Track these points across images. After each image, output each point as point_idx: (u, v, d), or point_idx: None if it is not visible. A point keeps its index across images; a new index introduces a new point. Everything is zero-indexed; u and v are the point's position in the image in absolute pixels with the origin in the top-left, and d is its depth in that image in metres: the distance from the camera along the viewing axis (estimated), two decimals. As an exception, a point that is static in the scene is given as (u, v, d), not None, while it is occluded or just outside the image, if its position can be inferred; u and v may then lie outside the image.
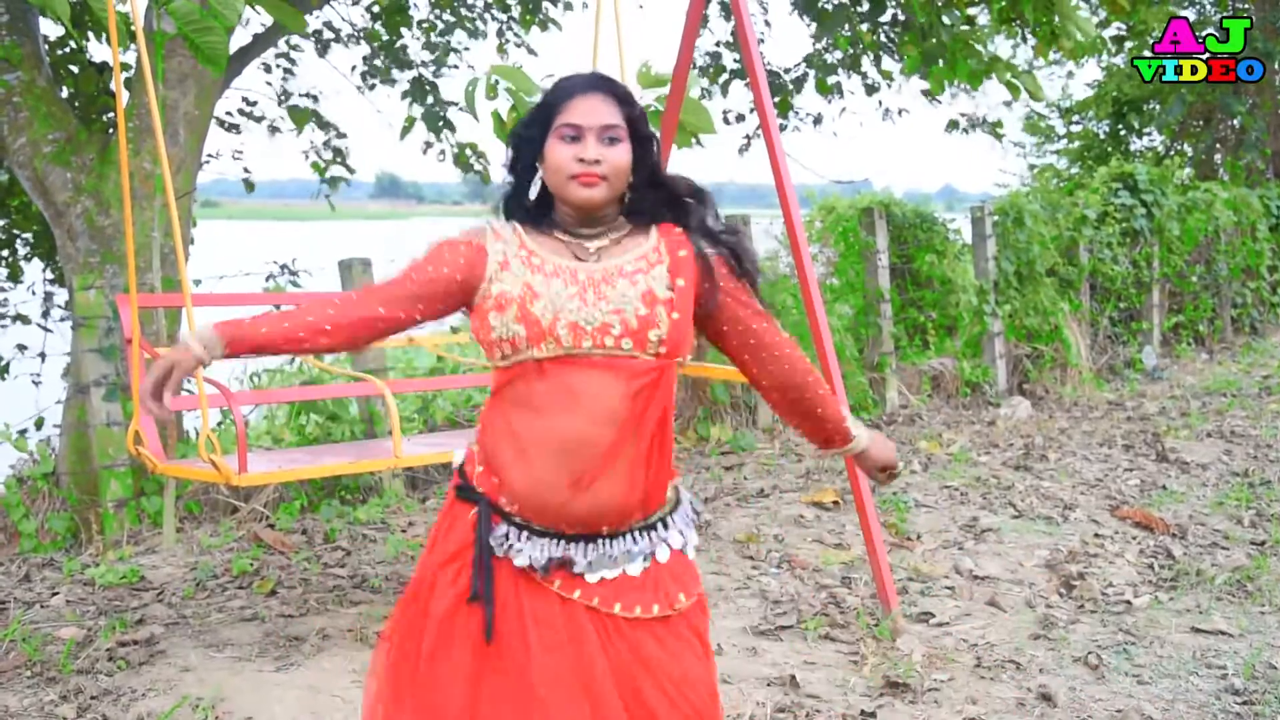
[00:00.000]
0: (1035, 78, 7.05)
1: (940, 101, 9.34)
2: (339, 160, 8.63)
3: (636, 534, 1.99)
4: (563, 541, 1.95)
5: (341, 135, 8.77)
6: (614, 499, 1.94)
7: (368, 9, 8.93)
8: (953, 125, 10.60)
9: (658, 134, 2.10)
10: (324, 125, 8.68)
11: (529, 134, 2.01)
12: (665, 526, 2.03)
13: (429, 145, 8.85)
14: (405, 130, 8.37)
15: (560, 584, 1.96)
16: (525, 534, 1.96)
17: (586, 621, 1.94)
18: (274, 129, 8.60)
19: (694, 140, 4.76)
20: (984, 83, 7.04)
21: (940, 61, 6.91)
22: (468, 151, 8.67)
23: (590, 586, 1.96)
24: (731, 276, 2.04)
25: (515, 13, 9.11)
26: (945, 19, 6.81)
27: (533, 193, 2.03)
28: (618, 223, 2.04)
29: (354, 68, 9.13)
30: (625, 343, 1.91)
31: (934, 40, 6.87)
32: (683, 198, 2.06)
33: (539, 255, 1.99)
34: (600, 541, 1.96)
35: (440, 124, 8.69)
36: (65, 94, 6.45)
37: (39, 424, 5.74)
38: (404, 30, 8.93)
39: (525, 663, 1.92)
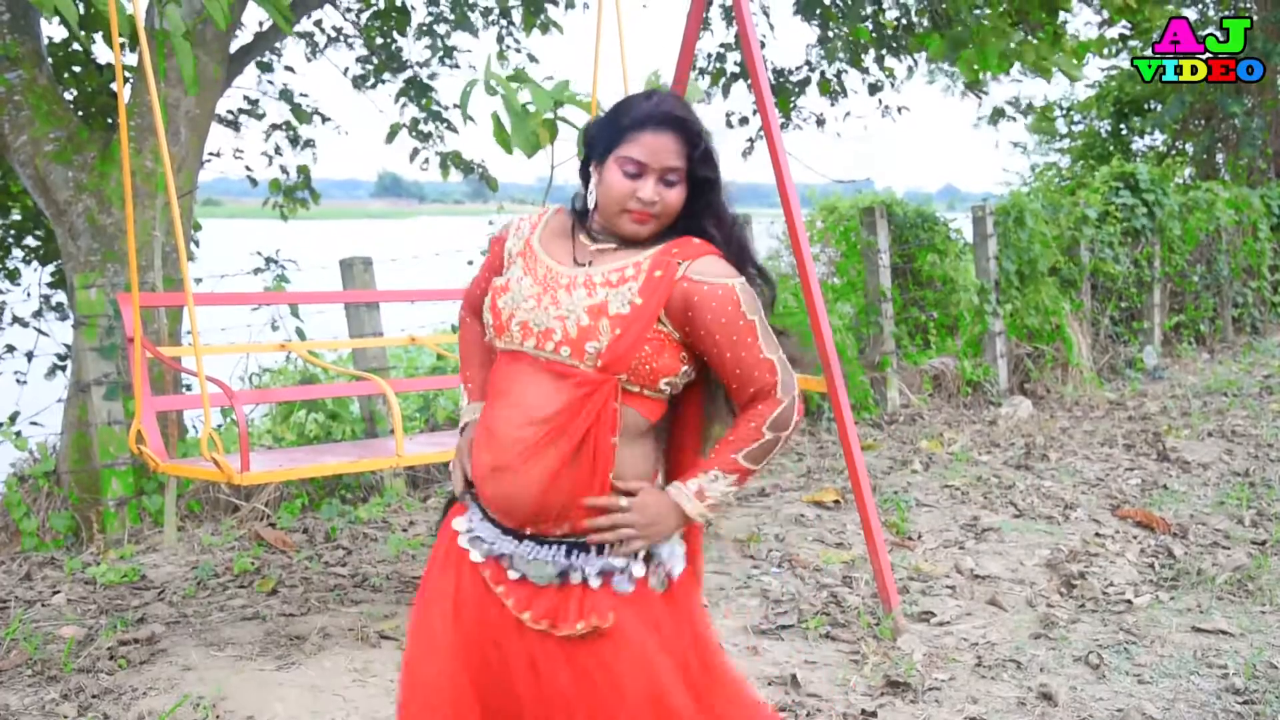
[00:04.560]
0: (1069, 59, 7.00)
1: (986, 93, 9.29)
2: (304, 185, 8.55)
3: (560, 546, 1.99)
4: (498, 530, 2.03)
5: (310, 145, 8.71)
6: (522, 497, 1.97)
7: (358, 13, 8.92)
8: (998, 114, 10.51)
9: (720, 174, 2.07)
10: (306, 144, 8.64)
11: (594, 138, 2.05)
12: (599, 552, 1.99)
13: (416, 152, 8.84)
14: (391, 135, 8.35)
15: (490, 573, 2.03)
16: (480, 516, 2.05)
17: (497, 615, 2.01)
18: (275, 127, 8.59)
19: None
20: (1011, 68, 6.98)
21: (968, 48, 6.84)
22: (450, 161, 8.65)
23: (510, 584, 2.01)
24: (729, 317, 1.95)
25: (515, 17, 9.10)
26: (964, 12, 6.78)
27: (591, 200, 2.06)
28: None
29: (346, 70, 9.12)
30: (564, 350, 1.95)
31: (958, 27, 6.84)
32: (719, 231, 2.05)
33: (536, 253, 2.06)
34: (525, 542, 2.00)
35: (431, 128, 8.68)
36: (67, 93, 6.45)
37: (13, 418, 5.73)
38: (399, 32, 8.92)
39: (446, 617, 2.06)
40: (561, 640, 1.96)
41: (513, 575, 2.01)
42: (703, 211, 2.04)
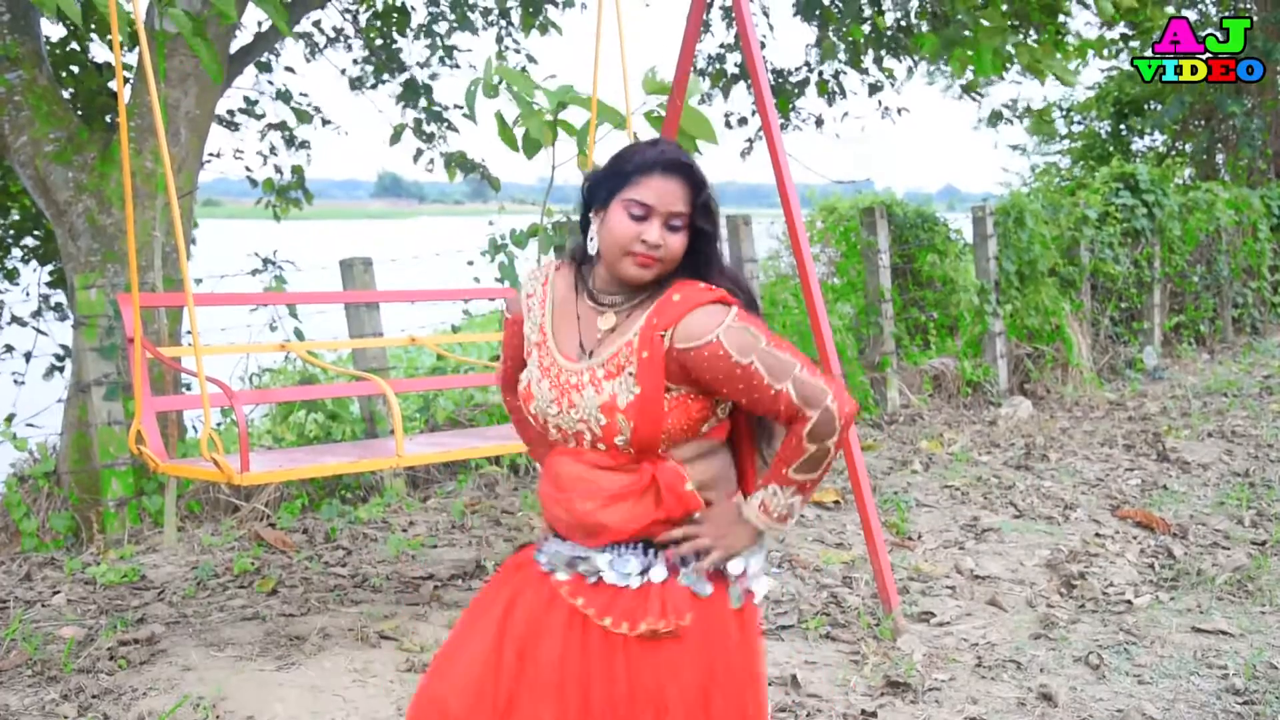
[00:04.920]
0: (1064, 63, 7.00)
1: (984, 94, 9.29)
2: (298, 185, 8.54)
3: (639, 545, 2.02)
4: (576, 545, 2.07)
5: (305, 145, 8.71)
6: (604, 531, 2.02)
7: (356, 14, 8.91)
8: (996, 117, 10.52)
9: (720, 226, 2.09)
10: (301, 144, 8.63)
11: (596, 186, 2.05)
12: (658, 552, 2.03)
13: (420, 153, 8.84)
14: (395, 137, 8.35)
15: (568, 589, 2.05)
16: (557, 539, 2.11)
17: (575, 623, 2.03)
18: (270, 126, 8.59)
19: (695, 150, 4.76)
20: (1007, 70, 6.98)
21: (961, 47, 6.84)
22: (454, 161, 8.65)
23: (589, 592, 2.03)
24: (726, 372, 1.96)
25: (514, 17, 9.10)
26: (961, 15, 6.78)
27: (591, 249, 2.07)
28: (643, 289, 2.05)
29: (343, 71, 9.11)
30: (600, 445, 2.01)
31: (954, 27, 6.84)
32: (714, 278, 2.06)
33: (548, 344, 2.09)
34: (606, 549, 2.04)
35: (433, 128, 8.67)
36: (67, 93, 6.45)
37: (9, 419, 5.73)
38: (399, 32, 8.91)
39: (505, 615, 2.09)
40: (637, 642, 1.98)
41: (591, 580, 2.03)
42: (701, 265, 2.05)
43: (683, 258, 2.03)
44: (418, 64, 9.11)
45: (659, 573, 2.00)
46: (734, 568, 2.03)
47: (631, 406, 1.96)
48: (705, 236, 2.05)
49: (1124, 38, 12.18)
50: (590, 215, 2.06)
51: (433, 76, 9.13)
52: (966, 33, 6.70)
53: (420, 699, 2.12)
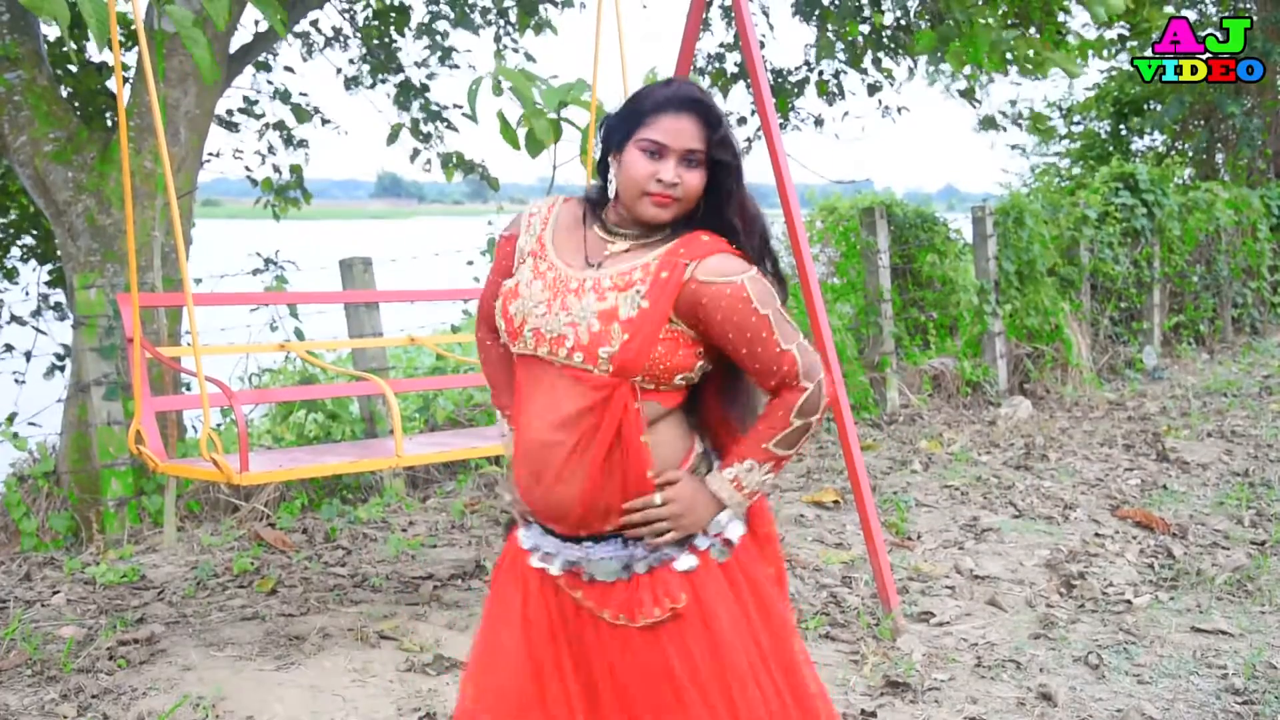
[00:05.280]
0: (1068, 55, 6.98)
1: (979, 102, 9.27)
2: (297, 184, 8.54)
3: (617, 539, 2.02)
4: (558, 540, 2.06)
5: (303, 145, 8.70)
6: (565, 504, 2.00)
7: (353, 14, 8.90)
8: (989, 122, 10.51)
9: (739, 160, 2.06)
10: (300, 143, 8.63)
11: (612, 130, 2.05)
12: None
13: (417, 152, 8.83)
14: (392, 137, 8.35)
15: (566, 581, 2.05)
16: (540, 531, 2.09)
17: (574, 620, 2.05)
18: (268, 126, 8.58)
19: None
20: (1004, 64, 6.96)
21: (956, 41, 6.81)
22: (454, 160, 8.64)
23: (586, 587, 2.03)
24: (741, 315, 1.95)
25: (512, 16, 9.09)
26: (957, 13, 6.77)
27: (611, 190, 2.07)
28: (656, 229, 2.05)
29: (339, 70, 9.11)
30: (576, 356, 1.96)
31: (949, 23, 6.83)
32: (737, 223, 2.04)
33: (547, 253, 2.06)
34: (584, 543, 2.03)
35: (430, 128, 8.66)
36: (66, 93, 6.45)
37: (11, 419, 5.73)
38: (398, 31, 8.90)
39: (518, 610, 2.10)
40: (641, 631, 1.98)
41: (586, 578, 2.03)
42: (724, 201, 2.03)
43: (704, 195, 2.02)
44: (415, 64, 9.11)
45: (642, 565, 2.01)
46: (701, 542, 2.03)
47: (632, 321, 1.94)
48: (725, 170, 2.02)
49: (1122, 38, 12.17)
50: (609, 159, 2.06)
51: (430, 76, 9.12)
52: (960, 26, 6.69)
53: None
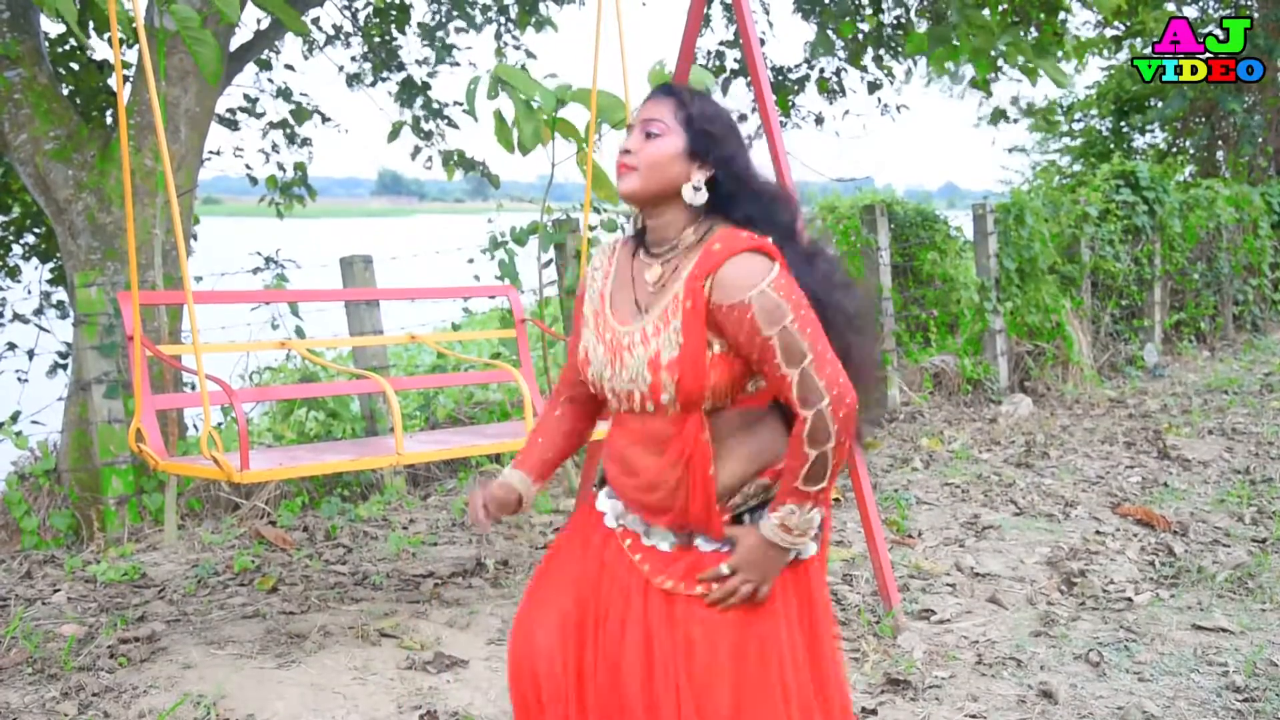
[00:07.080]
0: (1054, 63, 6.98)
1: (989, 95, 9.26)
2: (300, 182, 8.53)
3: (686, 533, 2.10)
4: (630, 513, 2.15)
5: (307, 143, 8.70)
6: (650, 504, 2.08)
7: (354, 12, 8.90)
8: (999, 115, 10.50)
9: (730, 131, 2.07)
10: (303, 141, 8.63)
11: None
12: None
13: (418, 150, 8.83)
14: (393, 134, 8.36)
15: (630, 542, 2.12)
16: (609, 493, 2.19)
17: (625, 578, 2.11)
18: (271, 125, 8.58)
19: None
20: (998, 71, 6.97)
21: (950, 42, 6.82)
22: (454, 158, 8.64)
23: (645, 550, 2.10)
24: (747, 336, 1.94)
25: (513, 13, 9.09)
26: (953, 13, 6.77)
27: None
28: (684, 235, 2.06)
29: (340, 68, 9.11)
30: (648, 405, 2.04)
31: (948, 22, 6.83)
32: (757, 201, 2.06)
33: (605, 310, 2.13)
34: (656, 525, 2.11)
35: (431, 126, 8.67)
36: (66, 91, 6.45)
37: (14, 417, 5.73)
38: (399, 29, 8.90)
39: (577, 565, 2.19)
40: (688, 600, 2.03)
41: (646, 543, 2.10)
42: (732, 187, 2.05)
43: (713, 185, 2.05)
44: (416, 62, 9.11)
45: (706, 545, 2.06)
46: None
47: (674, 364, 1.98)
48: (719, 149, 2.03)
49: (1116, 39, 12.17)
50: None
51: (431, 74, 9.13)
52: (955, 36, 6.70)
53: (513, 649, 2.19)
